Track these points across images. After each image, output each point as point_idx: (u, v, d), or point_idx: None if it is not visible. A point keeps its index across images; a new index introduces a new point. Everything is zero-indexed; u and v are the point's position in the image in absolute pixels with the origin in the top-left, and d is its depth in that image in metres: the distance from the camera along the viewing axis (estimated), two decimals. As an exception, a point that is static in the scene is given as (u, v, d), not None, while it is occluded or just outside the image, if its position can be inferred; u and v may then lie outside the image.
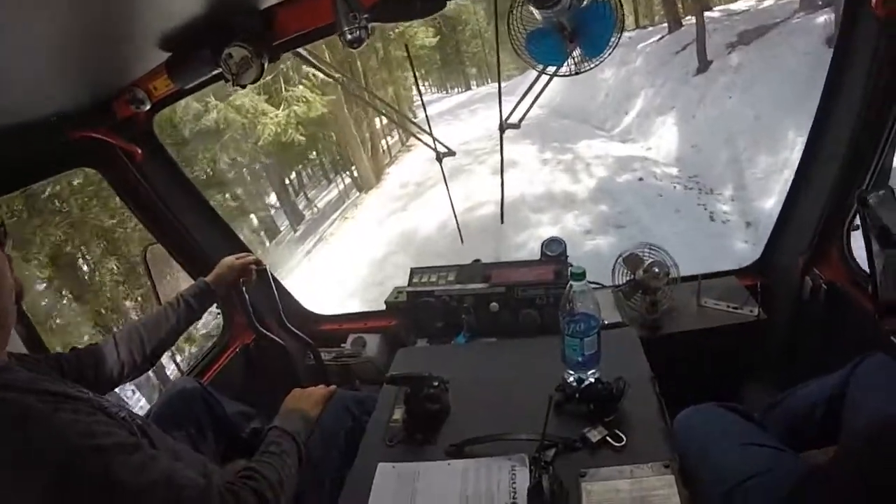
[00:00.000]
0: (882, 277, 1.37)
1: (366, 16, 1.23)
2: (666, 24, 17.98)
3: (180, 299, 1.66)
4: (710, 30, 13.76)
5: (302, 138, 14.98)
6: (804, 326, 1.77)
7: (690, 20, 15.56)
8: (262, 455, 1.27)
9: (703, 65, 13.16)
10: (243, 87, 1.40)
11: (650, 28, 20.01)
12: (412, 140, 22.89)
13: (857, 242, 1.49)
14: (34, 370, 1.10)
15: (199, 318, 1.72)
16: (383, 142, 23.41)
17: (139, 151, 1.78)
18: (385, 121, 21.78)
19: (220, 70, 1.41)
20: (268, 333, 1.98)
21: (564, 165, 13.82)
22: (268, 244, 18.05)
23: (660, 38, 16.85)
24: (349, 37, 1.25)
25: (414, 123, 1.82)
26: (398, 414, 1.50)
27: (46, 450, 0.83)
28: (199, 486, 0.98)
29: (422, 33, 24.14)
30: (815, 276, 1.72)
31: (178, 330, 1.65)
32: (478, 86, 41.74)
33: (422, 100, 1.76)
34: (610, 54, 1.34)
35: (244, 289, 1.80)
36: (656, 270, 1.71)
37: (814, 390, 1.43)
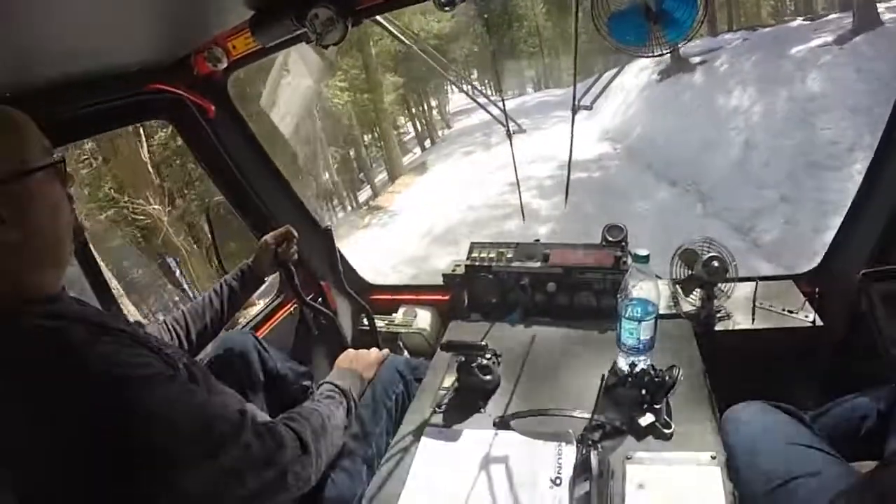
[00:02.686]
0: None
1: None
2: (808, 18, 12.55)
3: (223, 285, 1.69)
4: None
5: None
6: (859, 337, 1.73)
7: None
8: (311, 402, 1.30)
9: None
10: (326, 47, 1.43)
11: (768, 28, 13.84)
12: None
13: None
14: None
15: (245, 300, 1.73)
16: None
17: (213, 108, 1.83)
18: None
19: (303, 30, 1.43)
20: (324, 294, 2.02)
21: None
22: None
23: (840, 41, 9.32)
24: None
25: (489, 100, 1.81)
26: (448, 381, 1.53)
27: (84, 379, 0.85)
28: (232, 420, 1.00)
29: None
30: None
31: (223, 316, 1.67)
32: (535, 90, 37.56)
33: (500, 84, 1.76)
34: (692, 38, 1.32)
35: (289, 263, 1.80)
36: (715, 265, 1.69)
37: (864, 401, 1.41)
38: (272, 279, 1.98)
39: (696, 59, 13.49)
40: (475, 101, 1.77)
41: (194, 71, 1.77)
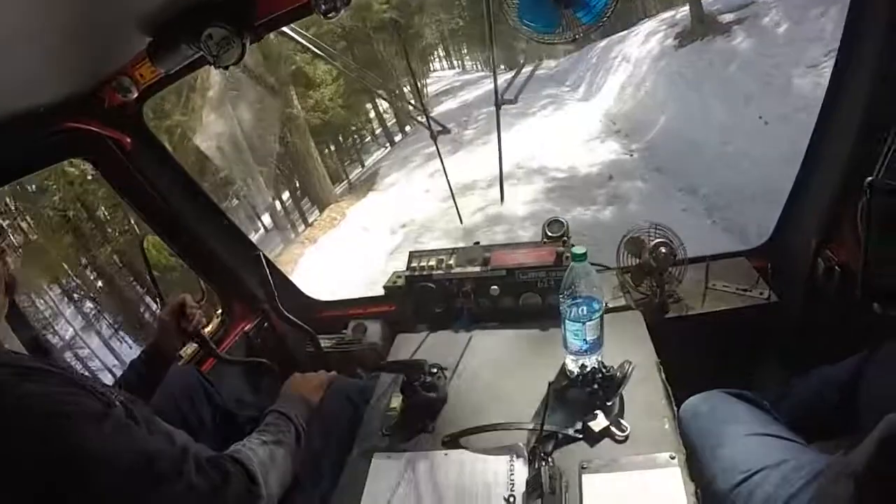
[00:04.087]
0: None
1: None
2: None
3: (129, 371, 1.55)
4: None
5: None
6: (817, 309, 1.71)
7: None
8: (257, 433, 1.26)
9: None
10: (226, 68, 1.36)
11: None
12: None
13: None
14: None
15: (158, 382, 1.54)
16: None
17: (129, 140, 1.75)
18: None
19: (201, 53, 1.36)
20: (268, 320, 1.96)
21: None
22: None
23: None
24: (323, 7, 1.23)
25: (410, 104, 1.75)
26: (396, 402, 1.48)
27: (10, 420, 0.83)
28: (173, 457, 0.97)
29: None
30: (827, 257, 1.64)
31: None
32: (524, 66, 35.82)
33: (417, 87, 1.70)
34: (608, 16, 1.27)
35: (196, 332, 1.63)
36: (663, 251, 1.65)
37: (826, 376, 1.39)
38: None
39: (729, 17, 10.23)
40: (404, 110, 1.69)
41: (105, 104, 1.69)
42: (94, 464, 0.87)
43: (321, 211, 14.51)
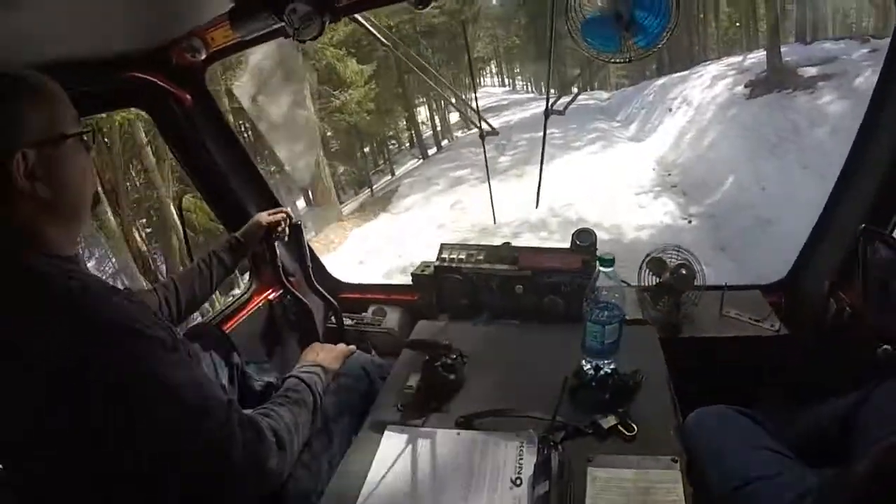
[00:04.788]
0: None
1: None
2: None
3: (213, 255, 1.72)
4: None
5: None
6: (825, 347, 1.76)
7: None
8: (280, 397, 1.29)
9: None
10: (304, 41, 1.43)
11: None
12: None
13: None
14: None
15: (232, 272, 1.77)
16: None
17: (189, 98, 1.83)
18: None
19: (281, 24, 1.44)
20: (294, 291, 2.01)
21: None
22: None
23: None
24: None
25: (463, 102, 1.83)
26: (413, 380, 1.51)
27: (99, 322, 0.88)
28: (223, 402, 1.01)
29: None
30: (839, 298, 1.70)
31: (212, 284, 1.71)
32: (582, 90, 31.66)
33: (473, 82, 1.78)
34: (661, 45, 1.35)
35: (275, 244, 1.84)
36: (684, 272, 1.72)
37: (826, 410, 1.41)
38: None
39: (812, 72, 9.42)
40: (457, 108, 1.78)
41: (173, 61, 1.77)
42: (156, 388, 0.92)
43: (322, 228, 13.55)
